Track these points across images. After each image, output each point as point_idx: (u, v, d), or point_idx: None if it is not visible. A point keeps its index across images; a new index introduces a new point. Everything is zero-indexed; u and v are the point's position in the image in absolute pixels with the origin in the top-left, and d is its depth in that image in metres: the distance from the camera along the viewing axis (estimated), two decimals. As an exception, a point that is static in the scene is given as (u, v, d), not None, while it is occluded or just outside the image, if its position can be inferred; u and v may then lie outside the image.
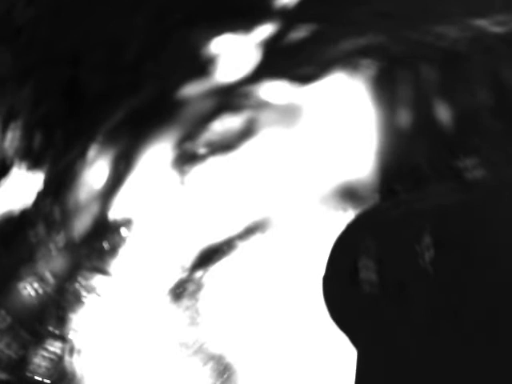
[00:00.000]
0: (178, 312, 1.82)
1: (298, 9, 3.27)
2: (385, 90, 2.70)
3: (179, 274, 1.95)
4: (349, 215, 2.02)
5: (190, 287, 1.88)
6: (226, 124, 2.69)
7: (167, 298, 1.87)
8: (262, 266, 1.97)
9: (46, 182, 2.80)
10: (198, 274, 1.93)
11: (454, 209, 1.82)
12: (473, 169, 1.99)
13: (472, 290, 1.50)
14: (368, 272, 1.71)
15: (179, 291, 1.88)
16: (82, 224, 2.48)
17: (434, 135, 2.42)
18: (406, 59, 2.77)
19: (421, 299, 1.57)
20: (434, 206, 1.87)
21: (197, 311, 1.82)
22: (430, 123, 2.49)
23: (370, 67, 2.83)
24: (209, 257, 2.01)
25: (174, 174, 2.51)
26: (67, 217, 2.57)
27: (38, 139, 2.88)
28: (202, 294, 1.86)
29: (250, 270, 1.94)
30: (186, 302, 1.84)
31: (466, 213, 1.79)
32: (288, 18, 3.32)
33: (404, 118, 2.55)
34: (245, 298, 1.86)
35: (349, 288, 1.79)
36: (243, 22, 3.44)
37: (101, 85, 3.08)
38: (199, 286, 1.87)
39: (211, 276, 1.93)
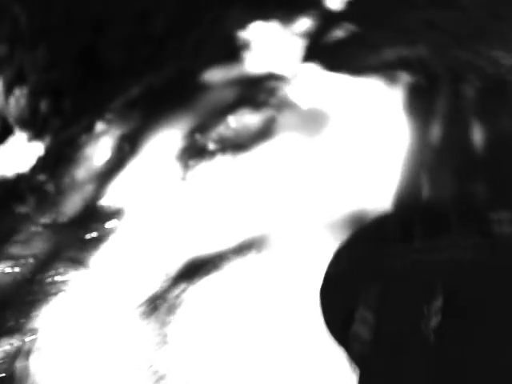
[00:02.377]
0: (148, 328, 1.65)
1: (342, 7, 3.04)
2: (419, 109, 2.47)
3: (161, 283, 1.77)
4: (355, 251, 1.82)
5: (169, 300, 1.70)
6: (244, 120, 2.49)
7: (141, 309, 1.70)
8: (252, 288, 1.78)
9: (45, 154, 2.64)
10: (181, 286, 1.75)
11: (473, 269, 1.62)
12: (503, 223, 1.77)
13: (473, 374, 1.30)
14: (362, 326, 1.52)
15: (156, 304, 1.70)
16: (71, 206, 2.31)
17: (468, 172, 2.19)
18: (448, 79, 2.54)
19: (413, 368, 1.38)
20: (452, 261, 1.67)
21: (170, 330, 1.64)
22: (465, 157, 2.26)
23: (408, 81, 2.60)
24: (197, 268, 1.83)
25: (177, 167, 2.32)
26: (59, 195, 2.41)
27: (43, 107, 2.71)
28: (179, 311, 1.67)
29: (239, 291, 1.76)
30: (160, 317, 1.66)
31: (486, 276, 1.58)
32: (331, 15, 3.09)
33: (436, 145, 2.33)
34: (227, 324, 1.68)
35: (341, 334, 1.60)
36: (283, 11, 3.22)
37: (119, 57, 2.89)
38: (179, 301, 1.69)
39: (194, 290, 1.75)
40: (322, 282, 1.77)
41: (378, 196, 2.10)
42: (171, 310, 1.67)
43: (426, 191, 2.13)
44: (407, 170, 2.22)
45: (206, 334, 1.65)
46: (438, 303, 1.51)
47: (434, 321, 1.44)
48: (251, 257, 1.86)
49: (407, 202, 2.07)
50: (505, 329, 1.44)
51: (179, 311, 1.67)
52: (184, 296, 1.71)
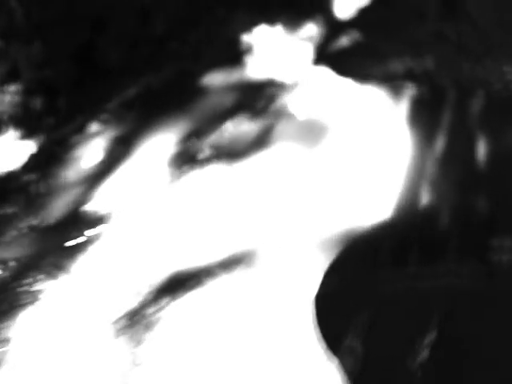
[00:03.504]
0: (122, 345, 1.57)
1: (350, 14, 2.95)
2: (424, 122, 2.39)
3: (141, 297, 1.69)
4: (346, 272, 1.73)
5: (147, 317, 1.61)
6: (241, 127, 2.40)
7: (117, 325, 1.62)
8: (237, 307, 1.70)
9: (37, 154, 2.57)
10: (162, 301, 1.67)
11: (470, 299, 1.54)
12: (503, 250, 1.69)
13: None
14: (349, 357, 1.44)
15: (133, 319, 1.62)
16: (58, 209, 2.23)
17: (470, 187, 2.11)
18: (454, 92, 2.45)
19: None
20: (448, 289, 1.59)
21: (145, 349, 1.56)
22: (468, 171, 2.18)
23: (414, 93, 2.51)
24: (180, 283, 1.75)
25: (169, 173, 2.24)
26: (47, 197, 2.34)
27: (37, 104, 2.64)
28: (157, 329, 1.59)
29: (223, 310, 1.68)
30: (136, 334, 1.58)
31: (483, 307, 1.50)
32: (338, 22, 3.00)
33: (439, 158, 2.24)
34: (209, 345, 1.59)
35: (328, 363, 1.52)
36: (289, 15, 3.13)
37: (118, 56, 2.81)
38: (157, 318, 1.61)
39: (175, 307, 1.67)
40: (311, 305, 1.70)
41: (375, 214, 2.02)
42: (148, 327, 1.60)
43: (425, 209, 2.05)
44: (407, 186, 2.14)
45: (184, 356, 1.57)
46: (432, 336, 1.43)
47: (424, 355, 1.36)
48: (238, 273, 1.78)
49: (405, 221, 1.98)
50: (500, 366, 1.35)
51: (157, 329, 1.60)
52: (164, 313, 1.63)
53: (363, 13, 2.87)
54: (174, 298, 1.71)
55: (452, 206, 2.01)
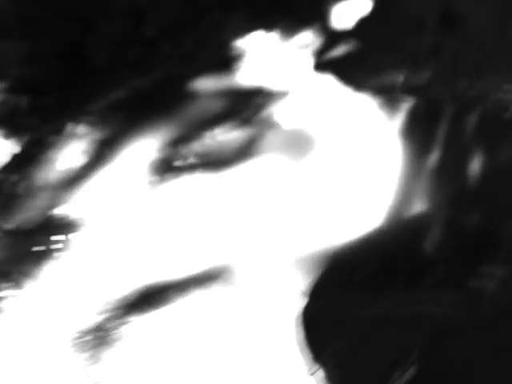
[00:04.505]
0: (80, 364, 1.48)
1: (347, 24, 2.87)
2: (418, 136, 2.31)
3: (105, 312, 1.61)
4: (325, 294, 1.64)
5: (109, 333, 1.53)
6: (227, 136, 2.32)
7: (77, 341, 1.53)
8: (208, 327, 1.61)
9: (20, 154, 2.49)
10: (127, 317, 1.59)
11: (454, 330, 1.46)
12: (492, 279, 1.60)
13: None
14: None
15: (94, 335, 1.53)
16: (35, 212, 2.15)
17: (462, 204, 2.03)
18: (451, 107, 2.37)
19: None
20: (431, 318, 1.50)
21: (104, 369, 1.47)
22: (461, 187, 2.10)
23: (409, 106, 2.43)
24: (148, 298, 1.66)
25: (150, 180, 2.16)
26: (27, 199, 2.25)
27: (22, 103, 2.56)
28: (118, 348, 1.51)
29: (193, 329, 1.59)
30: (96, 352, 1.49)
31: (468, 339, 1.42)
32: (335, 31, 2.92)
33: (432, 172, 2.16)
34: (174, 368, 1.51)
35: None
36: (287, 22, 3.06)
37: (107, 56, 2.74)
38: (120, 336, 1.52)
39: (143, 323, 1.58)
40: (288, 329, 1.61)
41: (361, 231, 1.93)
42: (111, 344, 1.51)
43: (414, 228, 1.97)
44: (397, 202, 2.06)
45: (146, 377, 1.48)
46: (411, 372, 1.35)
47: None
48: (212, 290, 1.69)
49: (392, 241, 1.90)
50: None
51: (119, 347, 1.51)
52: (128, 330, 1.54)
53: (361, 23, 2.79)
54: (140, 314, 1.62)
55: (443, 224, 1.93)
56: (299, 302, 1.67)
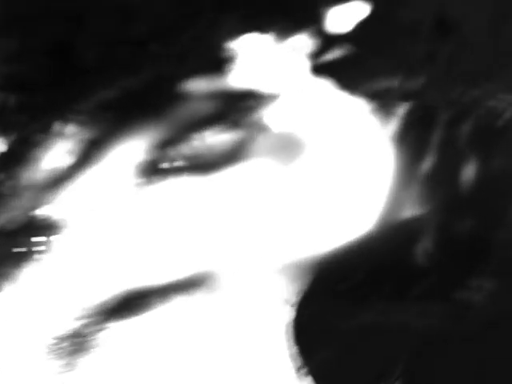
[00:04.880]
0: (54, 371, 1.43)
1: (343, 28, 2.83)
2: (412, 142, 2.27)
3: (83, 317, 1.56)
4: (310, 304, 1.60)
5: (86, 340, 1.48)
6: (216, 138, 2.28)
7: (52, 348, 1.48)
8: (190, 336, 1.56)
9: (7, 153, 2.44)
10: (106, 323, 1.54)
11: (441, 344, 1.42)
12: (482, 291, 1.56)
13: None
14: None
15: (71, 342, 1.49)
16: (19, 213, 2.11)
17: (454, 212, 1.99)
18: (446, 114, 2.34)
19: None
20: (417, 331, 1.46)
21: (82, 375, 1.43)
22: (455, 201, 2.06)
23: (403, 112, 2.39)
24: (130, 303, 1.61)
25: (136, 182, 2.12)
26: (13, 199, 2.21)
27: (9, 101, 2.51)
28: (94, 355, 1.46)
29: (174, 338, 1.54)
30: (71, 359, 1.45)
31: (454, 354, 1.38)
32: (330, 34, 2.88)
33: (425, 179, 2.13)
34: (153, 377, 1.46)
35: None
36: (281, 24, 3.02)
37: (96, 55, 2.69)
38: (97, 343, 1.48)
39: (121, 330, 1.54)
40: (270, 337, 1.57)
41: (350, 237, 1.89)
42: (87, 350, 1.46)
43: (405, 235, 1.93)
44: (388, 208, 2.02)
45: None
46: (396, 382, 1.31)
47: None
48: (195, 297, 1.65)
49: (381, 248, 1.86)
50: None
51: (96, 354, 1.46)
52: (106, 336, 1.50)
53: (356, 27, 2.75)
54: (120, 321, 1.57)
55: (435, 230, 1.90)
56: (284, 311, 1.63)
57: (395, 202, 2.02)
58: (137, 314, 1.58)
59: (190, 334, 1.60)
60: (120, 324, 1.56)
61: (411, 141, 2.35)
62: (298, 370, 1.53)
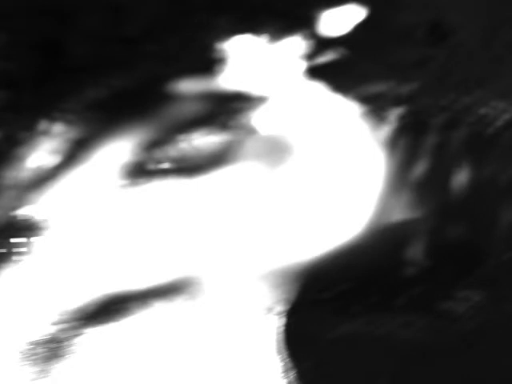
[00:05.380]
0: (29, 376, 1.39)
1: (337, 32, 2.79)
2: (402, 147, 2.23)
3: (60, 322, 1.52)
4: (293, 313, 1.57)
5: (62, 345, 1.44)
6: (204, 140, 2.24)
7: (28, 352, 1.44)
8: (168, 342, 1.53)
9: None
10: (83, 328, 1.50)
11: (424, 353, 1.38)
12: (466, 302, 1.53)
13: None
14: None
15: (47, 347, 1.45)
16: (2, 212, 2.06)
17: (445, 217, 1.96)
18: (437, 121, 2.30)
19: None
20: (400, 341, 1.43)
21: (56, 380, 1.39)
22: (445, 206, 2.03)
23: (394, 117, 2.36)
24: (108, 308, 1.58)
25: (121, 183, 2.08)
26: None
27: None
28: (70, 360, 1.42)
29: (154, 342, 1.51)
30: (46, 364, 1.41)
31: (436, 363, 1.35)
32: (324, 38, 2.84)
33: (413, 191, 2.09)
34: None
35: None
36: (275, 27, 2.98)
37: (86, 53, 2.65)
38: (73, 348, 1.44)
39: (98, 335, 1.50)
40: (251, 344, 1.53)
41: (335, 246, 1.86)
42: (62, 356, 1.42)
43: (394, 243, 1.89)
44: (377, 213, 1.98)
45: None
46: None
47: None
48: (176, 303, 1.61)
49: (367, 257, 1.82)
50: None
51: (71, 360, 1.42)
52: (82, 342, 1.46)
53: (350, 31, 2.71)
54: (97, 326, 1.54)
55: (426, 236, 1.86)
56: (266, 319, 1.59)
57: (385, 207, 1.99)
58: (115, 320, 1.55)
59: (170, 341, 1.56)
60: (98, 329, 1.52)
61: (403, 146, 2.31)
62: (281, 377, 1.49)
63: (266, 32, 2.86)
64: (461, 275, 1.71)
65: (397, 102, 2.44)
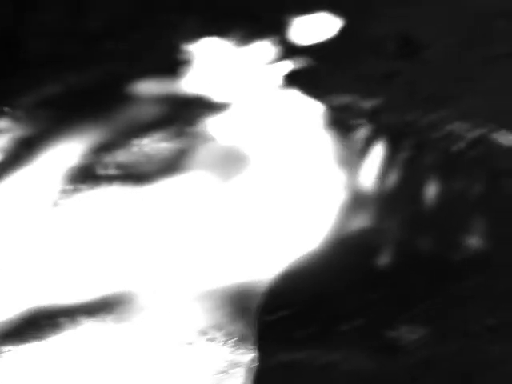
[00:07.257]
0: None
1: (305, 41, 2.70)
2: (366, 163, 2.15)
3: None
4: (229, 337, 1.47)
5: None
6: (156, 146, 2.14)
7: None
8: (98, 361, 1.42)
9: None
10: (5, 346, 1.39)
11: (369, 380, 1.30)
12: (411, 335, 1.45)
13: None
14: None
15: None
16: None
17: (415, 229, 1.88)
18: (405, 138, 2.23)
19: None
20: (341, 371, 1.34)
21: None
22: (414, 219, 1.94)
23: (357, 132, 2.27)
24: (32, 325, 1.47)
25: (63, 189, 1.96)
26: None
27: None
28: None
29: (81, 363, 1.40)
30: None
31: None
32: (292, 45, 2.75)
33: (378, 205, 2.01)
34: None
35: None
36: (243, 31, 2.88)
37: (42, 48, 2.53)
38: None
39: (21, 355, 1.39)
40: (182, 367, 1.44)
41: (286, 266, 1.76)
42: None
43: (345, 263, 1.80)
44: (335, 229, 1.89)
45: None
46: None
47: None
48: (105, 323, 1.51)
49: (315, 280, 1.73)
50: None
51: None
52: (5, 362, 1.35)
53: (319, 42, 2.63)
54: (19, 344, 1.43)
55: (394, 247, 1.78)
56: (199, 342, 1.50)
57: (344, 222, 1.91)
58: (41, 338, 1.44)
59: (98, 361, 1.46)
60: (22, 348, 1.42)
61: (368, 158, 2.23)
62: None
63: (234, 35, 2.77)
64: (408, 306, 1.62)
65: (361, 114, 2.36)
